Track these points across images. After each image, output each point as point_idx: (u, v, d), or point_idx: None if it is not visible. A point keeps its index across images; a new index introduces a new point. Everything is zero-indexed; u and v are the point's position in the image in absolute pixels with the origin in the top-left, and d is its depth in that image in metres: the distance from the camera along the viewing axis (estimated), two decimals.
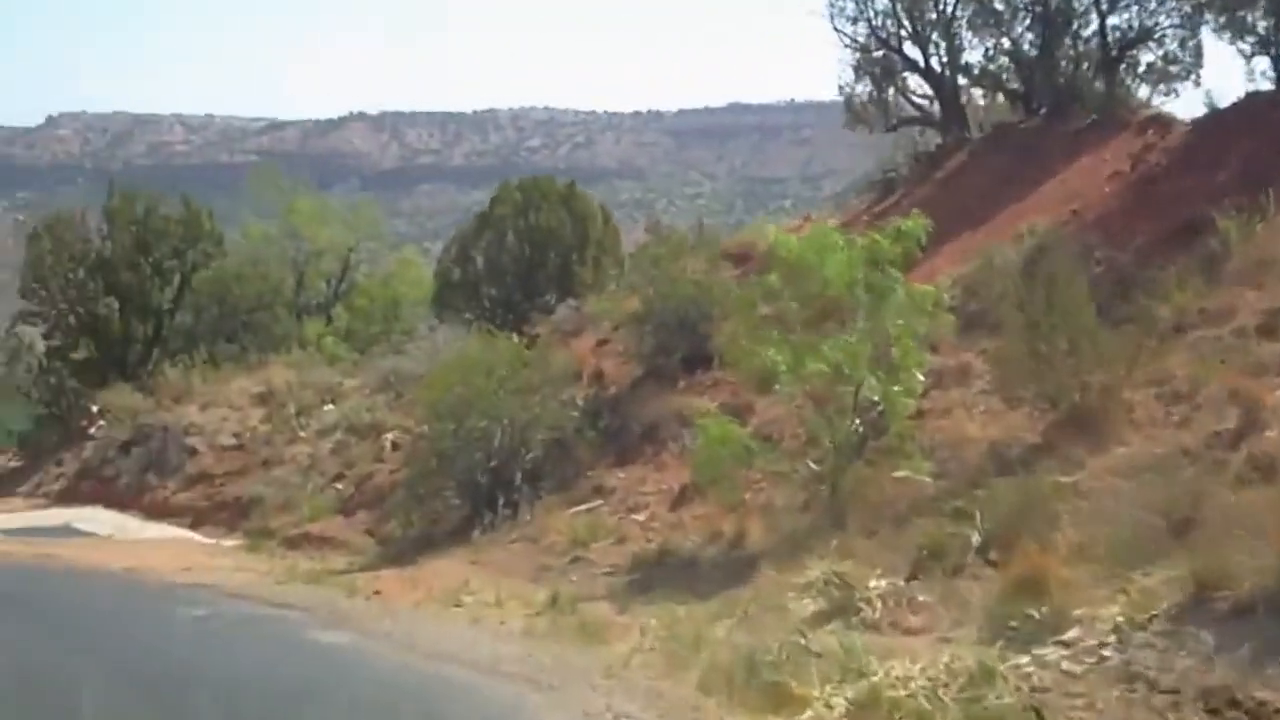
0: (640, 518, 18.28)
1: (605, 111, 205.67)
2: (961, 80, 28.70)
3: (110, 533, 26.20)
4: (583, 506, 19.21)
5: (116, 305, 36.53)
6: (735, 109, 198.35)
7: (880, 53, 29.07)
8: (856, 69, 29.11)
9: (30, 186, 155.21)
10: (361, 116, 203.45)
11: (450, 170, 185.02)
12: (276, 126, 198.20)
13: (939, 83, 28.57)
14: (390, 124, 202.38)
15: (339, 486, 25.36)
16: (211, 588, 16.64)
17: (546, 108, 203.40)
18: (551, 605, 14.18)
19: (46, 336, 37.46)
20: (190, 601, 15.32)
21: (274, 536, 23.62)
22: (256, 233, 42.66)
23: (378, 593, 16.06)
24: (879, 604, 11.91)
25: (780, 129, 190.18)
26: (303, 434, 28.52)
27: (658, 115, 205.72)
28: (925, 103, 29.17)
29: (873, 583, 12.31)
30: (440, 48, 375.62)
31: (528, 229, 37.53)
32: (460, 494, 20.69)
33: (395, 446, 25.55)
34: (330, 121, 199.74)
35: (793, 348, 15.10)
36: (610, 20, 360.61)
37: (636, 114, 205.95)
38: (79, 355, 37.05)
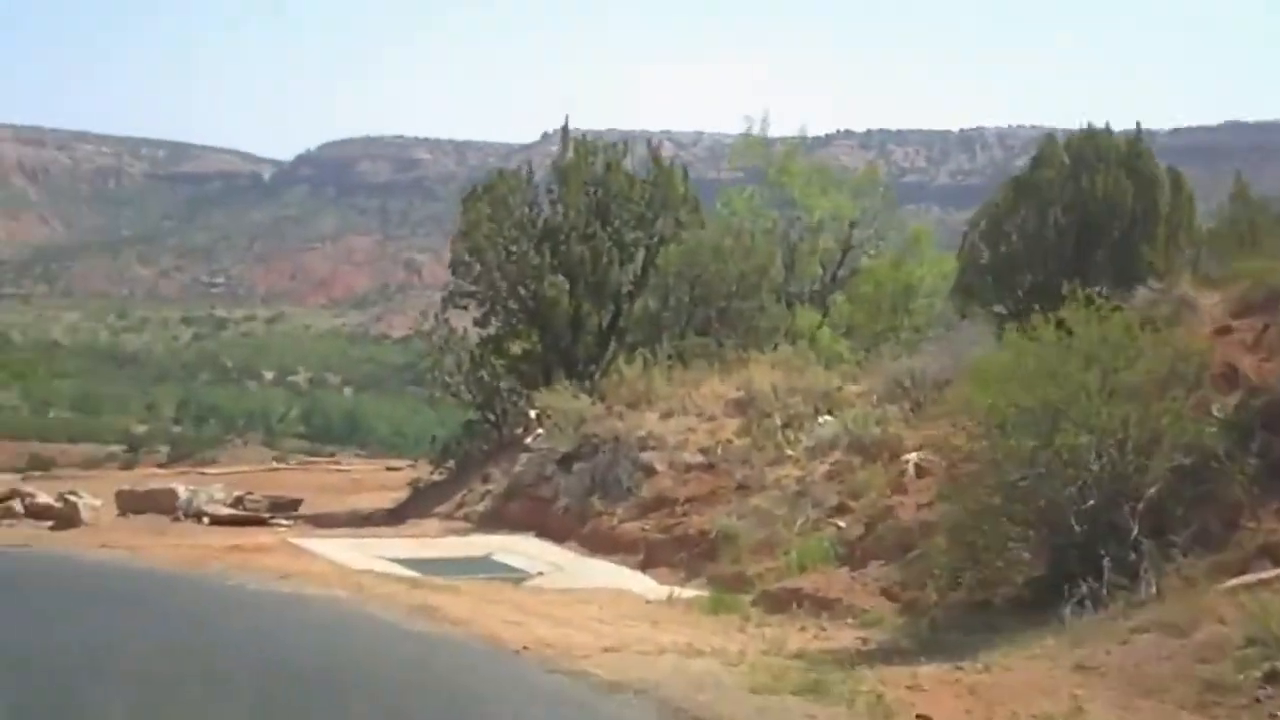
0: None
1: None
2: None
3: (539, 570, 21.54)
4: (1249, 577, 12.58)
5: (566, 285, 31.80)
6: (1232, 127, 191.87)
7: None
8: None
9: None
10: (848, 134, 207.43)
11: (935, 190, 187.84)
12: (764, 143, 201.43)
13: None
14: (877, 141, 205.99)
15: (840, 524, 19.70)
16: (643, 694, 10.79)
17: (1034, 126, 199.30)
18: None
19: (480, 323, 33.23)
20: None
21: (749, 588, 18.23)
22: (740, 202, 37.14)
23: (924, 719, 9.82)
24: None
25: None
26: (790, 451, 23.28)
27: (1150, 134, 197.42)
28: None
29: None
30: (927, 64, 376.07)
31: (1078, 198, 30.66)
32: (1036, 546, 14.48)
33: (921, 472, 19.67)
34: (817, 139, 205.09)
35: None
36: (1095, 35, 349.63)
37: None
38: (517, 347, 32.69)
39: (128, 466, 68.28)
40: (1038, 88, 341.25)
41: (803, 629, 15.66)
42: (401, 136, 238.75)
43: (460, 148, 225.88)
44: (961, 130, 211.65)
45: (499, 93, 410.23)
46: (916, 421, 22.28)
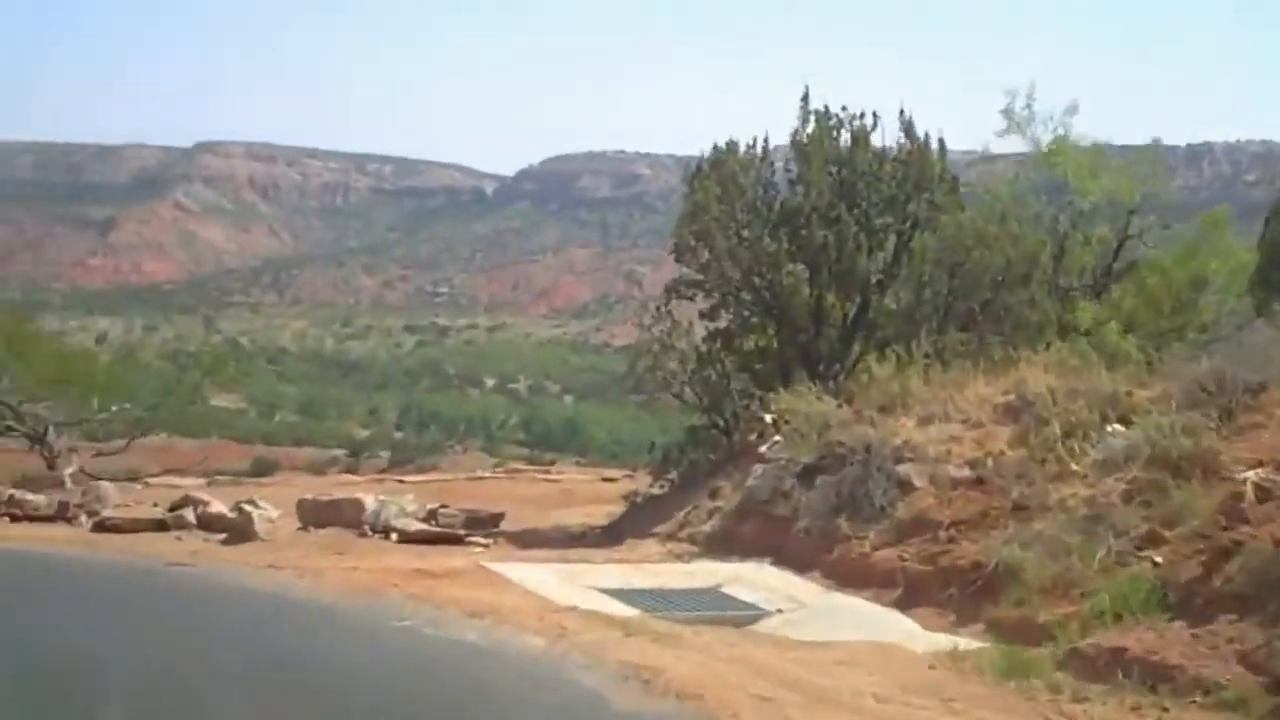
0: None
1: None
2: None
3: (777, 608, 17.88)
4: None
5: (806, 274, 27.89)
6: None
7: None
8: None
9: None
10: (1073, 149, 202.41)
11: (1163, 205, 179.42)
12: (986, 160, 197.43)
13: None
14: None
15: (1156, 559, 15.60)
16: None
17: (1264, 141, 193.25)
18: None
19: (707, 315, 29.34)
20: None
21: (1046, 640, 14.35)
22: (1004, 188, 32.94)
23: None
24: None
25: None
26: (1075, 466, 19.23)
27: None
28: None
29: None
30: (1152, 78, 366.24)
31: None
32: None
33: (1262, 495, 15.43)
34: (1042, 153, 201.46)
35: None
36: None
37: None
38: (750, 343, 28.96)
39: (350, 470, 67.78)
40: (1267, 101, 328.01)
41: (1137, 709, 11.82)
42: (623, 152, 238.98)
43: (680, 163, 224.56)
44: (1189, 145, 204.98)
45: (718, 109, 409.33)
46: (1228, 432, 18.34)
